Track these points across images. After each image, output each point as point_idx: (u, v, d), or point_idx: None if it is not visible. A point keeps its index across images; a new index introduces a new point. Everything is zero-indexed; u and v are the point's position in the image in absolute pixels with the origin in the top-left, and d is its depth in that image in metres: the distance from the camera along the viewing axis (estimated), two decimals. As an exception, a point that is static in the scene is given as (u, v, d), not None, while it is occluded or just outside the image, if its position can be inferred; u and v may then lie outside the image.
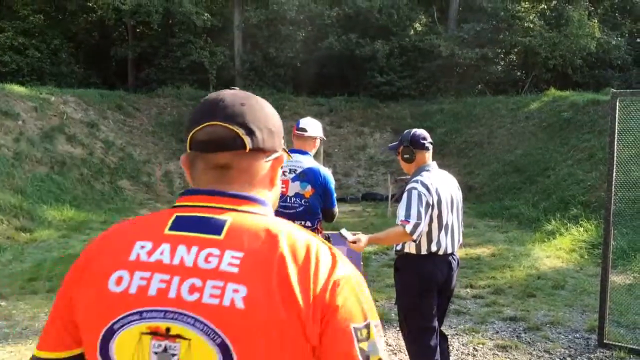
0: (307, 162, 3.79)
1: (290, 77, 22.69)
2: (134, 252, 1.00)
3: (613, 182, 4.68)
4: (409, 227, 3.16)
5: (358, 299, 0.98)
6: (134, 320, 0.94)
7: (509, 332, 5.04)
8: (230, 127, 1.05)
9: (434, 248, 3.31)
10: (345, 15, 22.34)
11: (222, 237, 0.98)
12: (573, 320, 5.33)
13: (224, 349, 0.92)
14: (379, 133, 19.24)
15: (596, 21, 20.29)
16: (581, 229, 8.99)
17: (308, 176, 3.72)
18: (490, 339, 4.87)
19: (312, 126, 3.88)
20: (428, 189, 3.25)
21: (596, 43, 19.97)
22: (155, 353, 0.94)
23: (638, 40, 22.39)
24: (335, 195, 3.86)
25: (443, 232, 3.33)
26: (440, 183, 3.33)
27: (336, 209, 3.87)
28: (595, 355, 4.52)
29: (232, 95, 1.11)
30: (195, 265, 0.96)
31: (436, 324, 3.36)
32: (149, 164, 16.30)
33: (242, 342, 0.92)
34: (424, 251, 3.32)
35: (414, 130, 3.49)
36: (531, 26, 20.23)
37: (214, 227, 1.00)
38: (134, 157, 15.97)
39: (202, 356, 0.92)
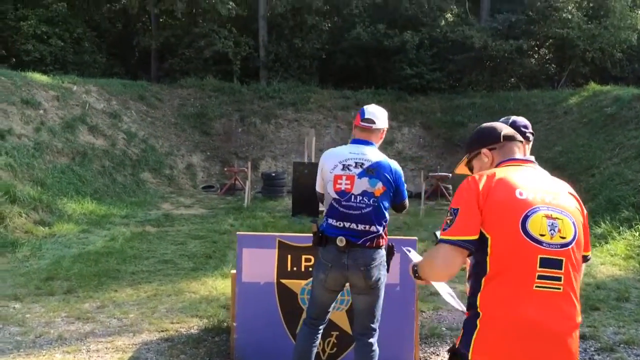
0: (374, 155, 3.24)
1: (316, 69, 22.11)
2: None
3: None
4: None
5: None
6: (535, 212, 1.89)
7: (580, 352, 4.42)
8: None
9: None
10: (373, 5, 21.68)
11: (545, 176, 2.07)
12: (650, 340, 4.70)
13: (574, 225, 1.94)
14: (407, 127, 18.59)
15: (639, 12, 19.33)
16: (636, 234, 8.30)
17: (378, 172, 3.17)
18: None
19: (380, 117, 3.34)
20: None
21: (637, 36, 19.04)
22: (548, 225, 1.88)
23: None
24: (405, 186, 3.38)
25: None
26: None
27: (407, 201, 3.41)
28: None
29: None
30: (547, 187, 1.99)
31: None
32: (172, 156, 15.89)
33: (577, 222, 1.95)
34: None
35: (513, 117, 2.93)
36: (569, 17, 19.33)
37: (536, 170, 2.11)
38: (157, 149, 15.57)
39: (568, 227, 1.91)
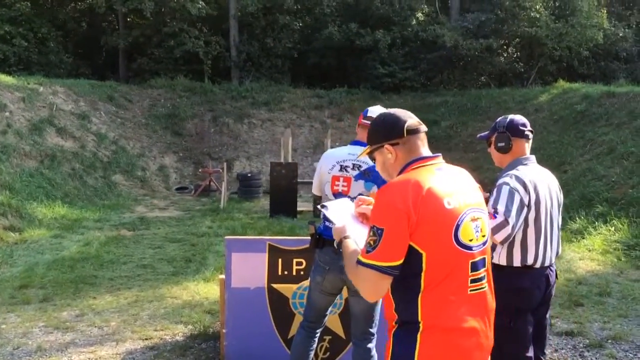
0: None
1: (288, 68, 22.01)
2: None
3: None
4: (492, 223, 2.57)
5: None
6: (464, 219, 1.85)
7: (569, 350, 4.46)
8: None
9: (530, 260, 2.72)
10: (344, 4, 21.70)
11: (456, 173, 2.00)
12: (635, 335, 4.76)
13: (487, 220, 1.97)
14: (381, 126, 18.61)
15: (605, 12, 19.77)
16: (612, 229, 8.45)
17: (374, 174, 3.10)
18: (550, 358, 4.28)
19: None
20: (524, 186, 2.66)
21: (603, 34, 19.48)
22: (474, 229, 1.88)
23: (644, 31, 21.91)
24: None
25: (542, 240, 2.74)
26: (540, 180, 2.74)
27: None
28: (676, 378, 3.96)
29: None
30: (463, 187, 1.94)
31: (532, 353, 2.76)
32: (143, 158, 15.58)
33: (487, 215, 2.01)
34: (516, 263, 2.74)
35: (510, 115, 2.90)
36: (537, 16, 19.66)
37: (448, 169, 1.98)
38: (128, 151, 15.24)
39: (485, 224, 1.94)
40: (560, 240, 2.88)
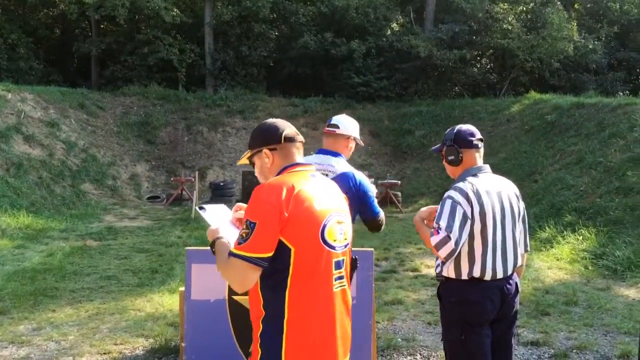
0: (340, 165, 3.15)
1: (263, 77, 21.95)
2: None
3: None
4: (435, 239, 2.56)
5: None
6: (330, 220, 2.00)
7: (534, 360, 4.44)
8: None
9: (476, 272, 2.65)
10: (320, 14, 21.73)
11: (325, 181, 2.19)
12: (600, 345, 4.77)
13: (349, 225, 2.14)
14: (356, 135, 18.63)
15: (575, 24, 20.15)
16: (580, 238, 8.53)
17: (341, 183, 3.05)
18: (515, 369, 4.25)
19: (345, 123, 3.29)
20: (467, 197, 2.60)
21: (573, 46, 19.84)
22: (338, 230, 2.03)
23: (612, 44, 22.37)
24: (375, 201, 3.23)
25: (490, 251, 2.66)
26: (488, 190, 2.68)
27: (382, 217, 3.24)
28: (638, 388, 3.96)
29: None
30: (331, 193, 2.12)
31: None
32: (114, 166, 15.33)
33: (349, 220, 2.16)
34: (464, 275, 2.68)
35: (458, 126, 2.86)
36: (509, 28, 19.95)
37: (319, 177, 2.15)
38: (98, 159, 14.98)
39: (348, 229, 2.10)
40: (517, 251, 2.78)
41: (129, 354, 4.48)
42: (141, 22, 22.12)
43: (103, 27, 22.93)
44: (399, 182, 14.89)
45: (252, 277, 1.91)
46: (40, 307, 5.67)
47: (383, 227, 3.28)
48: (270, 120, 2.23)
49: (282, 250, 1.92)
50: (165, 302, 5.85)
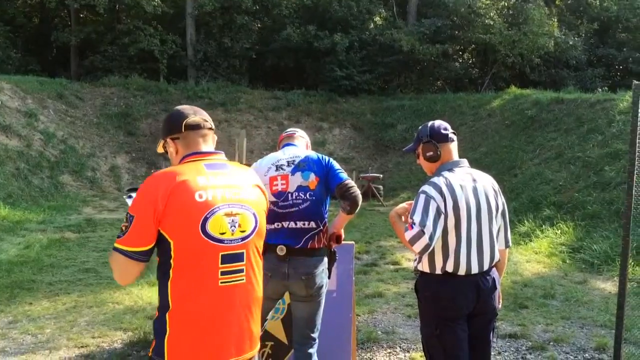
0: (303, 151, 3.19)
1: (245, 69, 21.84)
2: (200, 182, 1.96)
3: (634, 185, 4.09)
4: (409, 234, 2.53)
5: None
6: (215, 212, 1.93)
7: (512, 352, 4.49)
8: None
9: (449, 267, 2.64)
10: (303, 6, 21.64)
11: (230, 171, 2.06)
12: (576, 337, 4.84)
13: (255, 216, 2.03)
14: (338, 129, 18.66)
15: (556, 20, 20.34)
16: (558, 232, 8.64)
17: (308, 164, 3.08)
18: (493, 361, 4.30)
19: (302, 132, 3.43)
20: (441, 192, 2.58)
21: (554, 42, 20.03)
22: (228, 223, 1.95)
23: (592, 41, 22.63)
24: (339, 168, 3.11)
25: (464, 246, 2.64)
26: (462, 184, 2.66)
27: (350, 184, 2.99)
28: (613, 379, 4.03)
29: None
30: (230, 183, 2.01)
31: (466, 362, 2.71)
32: (94, 158, 15.13)
33: (258, 213, 2.05)
34: (438, 270, 2.66)
35: (430, 122, 2.84)
36: (491, 23, 20.07)
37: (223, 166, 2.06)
38: (77, 150, 14.77)
39: (248, 221, 2.01)
40: (494, 246, 2.75)
41: (107, 347, 4.43)
42: (121, 11, 21.81)
43: (82, 17, 22.56)
44: (381, 175, 14.94)
45: (131, 270, 1.90)
46: (16, 300, 5.58)
47: (359, 201, 2.99)
48: (177, 107, 2.17)
49: (163, 243, 1.89)
50: (145, 294, 5.80)
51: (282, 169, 3.09)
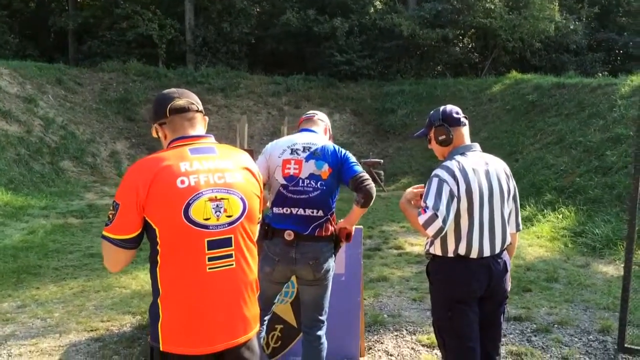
0: (321, 140, 3.16)
1: (245, 54, 21.72)
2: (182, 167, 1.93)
3: (640, 170, 4.10)
4: (422, 218, 2.54)
5: None
6: (198, 197, 1.89)
7: (517, 334, 4.54)
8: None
9: (462, 250, 2.66)
10: (302, -10, 21.49)
11: (218, 154, 2.01)
12: (580, 320, 4.89)
13: (242, 200, 1.99)
14: (338, 114, 18.61)
15: (557, 4, 20.23)
16: (560, 216, 8.68)
17: (324, 154, 3.07)
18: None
19: (319, 114, 3.39)
20: (454, 175, 2.60)
21: (555, 27, 19.94)
22: (213, 208, 1.91)
23: (592, 25, 22.54)
24: (357, 165, 3.09)
25: (477, 230, 2.67)
26: (475, 168, 2.68)
27: (365, 177, 2.99)
28: (617, 361, 4.08)
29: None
30: (216, 167, 1.97)
31: (477, 345, 2.75)
32: (94, 144, 15.10)
33: (247, 196, 2.01)
34: (450, 253, 2.69)
35: (442, 107, 2.85)
36: (492, 7, 19.96)
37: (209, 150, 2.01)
38: (77, 136, 14.73)
39: (234, 205, 1.96)
40: (506, 229, 2.76)
41: (116, 331, 4.47)
42: (120, -4, 21.62)
43: (80, 1, 22.37)
44: (382, 160, 14.93)
45: (120, 257, 1.91)
46: (23, 285, 5.61)
47: (373, 194, 3.00)
48: (163, 92, 2.11)
49: (149, 231, 1.88)
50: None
51: (297, 153, 3.09)
